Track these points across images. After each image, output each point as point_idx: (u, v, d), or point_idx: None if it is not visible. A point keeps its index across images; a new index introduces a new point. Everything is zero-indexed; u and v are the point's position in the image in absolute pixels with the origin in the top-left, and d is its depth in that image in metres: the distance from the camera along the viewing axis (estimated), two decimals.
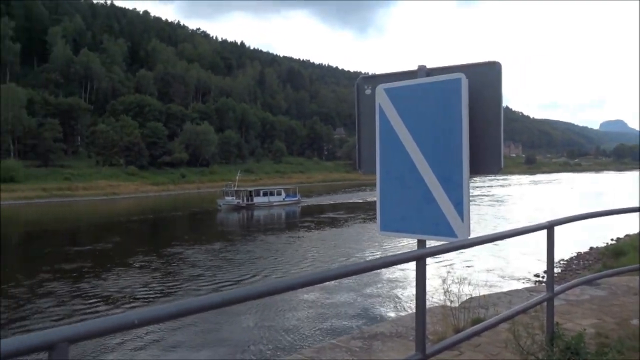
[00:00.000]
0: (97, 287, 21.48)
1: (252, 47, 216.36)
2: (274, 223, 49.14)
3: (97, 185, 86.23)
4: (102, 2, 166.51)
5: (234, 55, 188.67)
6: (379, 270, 20.32)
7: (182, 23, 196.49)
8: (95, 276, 23.62)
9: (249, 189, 67.66)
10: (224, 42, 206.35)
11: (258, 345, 14.38)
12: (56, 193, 78.26)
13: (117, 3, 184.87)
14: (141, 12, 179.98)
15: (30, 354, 1.62)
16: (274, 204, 64.08)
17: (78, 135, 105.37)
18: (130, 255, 28.96)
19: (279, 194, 67.15)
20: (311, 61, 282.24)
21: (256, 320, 16.58)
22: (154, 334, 15.09)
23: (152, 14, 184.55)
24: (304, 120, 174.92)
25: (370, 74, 4.46)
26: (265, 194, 66.09)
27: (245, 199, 63.39)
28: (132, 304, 18.78)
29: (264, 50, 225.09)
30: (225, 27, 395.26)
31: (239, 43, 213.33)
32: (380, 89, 3.88)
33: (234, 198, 63.09)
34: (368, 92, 4.11)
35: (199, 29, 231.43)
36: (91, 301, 19.34)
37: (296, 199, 67.23)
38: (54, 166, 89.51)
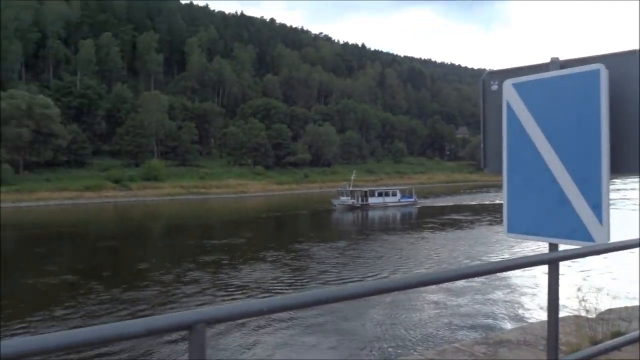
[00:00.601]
0: (234, 278, 23.07)
1: (372, 49, 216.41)
2: (392, 223, 48.87)
3: (228, 184, 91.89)
4: (233, 12, 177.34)
5: (355, 57, 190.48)
6: (507, 274, 19.48)
7: (305, 28, 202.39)
8: (231, 268, 25.38)
9: (364, 189, 67.61)
10: (345, 44, 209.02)
11: (380, 342, 14.44)
12: (193, 190, 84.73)
13: (247, 12, 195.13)
14: (268, 20, 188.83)
15: (171, 332, 1.77)
16: (389, 204, 63.44)
17: (211, 137, 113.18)
18: (261, 250, 30.64)
19: (394, 194, 66.31)
20: (432, 60, 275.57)
21: (382, 315, 16.72)
22: (282, 323, 15.75)
23: (277, 21, 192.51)
24: (425, 119, 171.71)
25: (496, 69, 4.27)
26: (380, 195, 65.64)
27: (360, 199, 63.38)
28: (265, 294, 19.78)
29: (384, 50, 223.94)
30: (347, 30, 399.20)
31: (359, 45, 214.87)
32: (508, 84, 3.72)
33: (349, 198, 63.28)
34: (494, 87, 3.95)
35: (321, 32, 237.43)
36: (229, 290, 20.82)
37: (412, 200, 66.10)
38: (190, 166, 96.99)
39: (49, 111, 75.06)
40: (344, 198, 63.80)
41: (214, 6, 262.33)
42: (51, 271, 24.47)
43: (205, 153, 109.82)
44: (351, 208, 61.57)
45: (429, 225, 43.00)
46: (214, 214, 60.16)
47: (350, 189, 66.07)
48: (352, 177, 73.45)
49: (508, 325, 14.89)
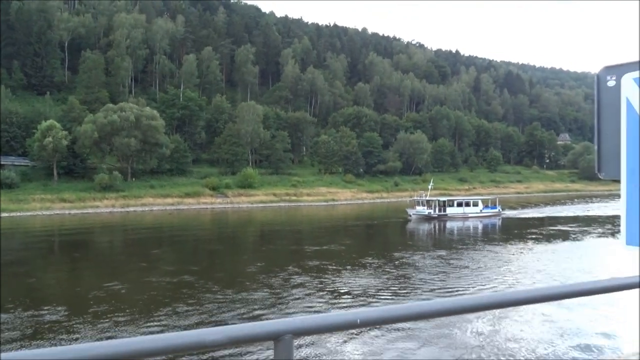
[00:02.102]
0: (338, 283, 23.43)
1: (466, 55, 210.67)
2: (475, 235, 46.86)
3: (318, 192, 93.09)
4: (327, 23, 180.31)
5: (449, 63, 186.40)
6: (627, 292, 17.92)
7: (397, 36, 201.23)
8: (335, 273, 25.78)
9: (442, 199, 64.76)
10: (438, 51, 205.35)
11: (480, 354, 13.87)
12: (285, 198, 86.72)
13: (339, 23, 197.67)
14: (360, 29, 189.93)
15: (255, 342, 1.63)
16: (470, 215, 60.73)
17: (303, 145, 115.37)
18: (359, 257, 30.90)
19: (475, 205, 63.46)
20: (531, 64, 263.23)
21: (486, 326, 16.16)
22: (376, 329, 15.59)
23: (369, 30, 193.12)
24: (523, 126, 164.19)
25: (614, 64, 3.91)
26: (460, 205, 63.04)
27: (437, 209, 60.97)
28: (371, 300, 19.87)
29: (480, 56, 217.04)
30: (440, 36, 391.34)
31: (453, 51, 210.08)
32: (627, 78, 3.38)
33: (425, 208, 60.91)
34: (611, 83, 3.61)
35: (413, 40, 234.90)
36: (335, 295, 21.14)
37: (496, 210, 62.82)
38: (283, 174, 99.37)
39: (155, 122, 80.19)
40: (419, 208, 61.43)
41: (308, 18, 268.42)
42: (170, 271, 26.29)
43: (298, 161, 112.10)
44: (427, 218, 59.16)
45: (528, 237, 40.92)
46: (307, 221, 61.21)
47: (427, 198, 63.35)
48: (429, 187, 70.68)
49: (625, 350, 13.74)
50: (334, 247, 35.65)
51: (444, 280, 23.85)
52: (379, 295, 20.90)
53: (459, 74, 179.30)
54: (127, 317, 17.38)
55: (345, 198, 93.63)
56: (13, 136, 77.93)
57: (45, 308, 18.49)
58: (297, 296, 20.73)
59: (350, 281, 23.83)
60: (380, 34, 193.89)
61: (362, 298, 20.32)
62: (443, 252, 33.31)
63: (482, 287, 22.59)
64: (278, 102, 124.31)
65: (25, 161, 75.75)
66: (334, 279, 24.42)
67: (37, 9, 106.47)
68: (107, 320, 16.95)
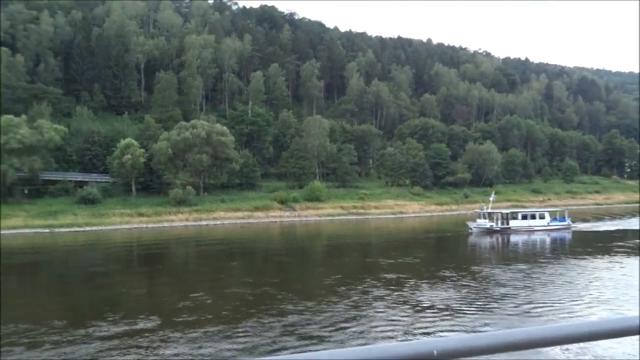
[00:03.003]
0: (416, 296, 23.04)
1: (536, 62, 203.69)
2: (545, 249, 44.43)
3: (386, 205, 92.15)
4: (390, 36, 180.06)
5: (518, 71, 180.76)
6: None
7: (463, 45, 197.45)
8: (413, 286, 25.39)
9: (504, 211, 61.37)
10: (506, 59, 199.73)
11: None
12: (352, 211, 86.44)
13: (403, 35, 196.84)
14: (425, 40, 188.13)
15: None
16: (536, 228, 57.22)
17: (370, 158, 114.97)
18: (435, 270, 30.39)
19: (542, 217, 59.70)
20: (606, 69, 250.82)
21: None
22: None
23: (434, 41, 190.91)
24: (599, 134, 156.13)
25: None
26: (524, 217, 59.41)
27: (499, 222, 57.86)
28: (452, 315, 19.35)
29: (551, 62, 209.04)
30: (508, 44, 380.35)
31: (522, 58, 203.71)
32: None
33: (487, 221, 57.90)
34: None
35: (480, 48, 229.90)
36: (414, 308, 20.74)
37: (565, 223, 59.13)
38: (349, 187, 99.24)
39: (225, 138, 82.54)
40: (480, 221, 58.37)
41: (372, 32, 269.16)
42: (249, 283, 26.82)
43: (364, 174, 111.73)
44: (489, 232, 56.29)
45: (611, 251, 38.45)
46: (376, 233, 60.78)
47: (489, 210, 59.78)
48: (491, 199, 65.38)
49: None
50: (408, 260, 35.11)
51: (529, 295, 22.78)
52: (464, 310, 20.26)
53: (529, 82, 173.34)
54: (216, 327, 17.80)
55: (413, 211, 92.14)
56: (95, 154, 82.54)
57: (140, 317, 19.33)
58: (378, 309, 20.49)
59: (430, 294, 23.34)
60: (446, 44, 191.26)
61: (446, 312, 19.77)
62: (523, 266, 31.94)
63: (572, 302, 21.37)
64: (344, 115, 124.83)
65: (106, 178, 79.92)
66: (413, 292, 24.03)
67: (116, 34, 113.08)
68: (198, 330, 17.43)
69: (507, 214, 59.88)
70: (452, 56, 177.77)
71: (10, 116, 70.26)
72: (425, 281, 26.63)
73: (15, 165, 66.54)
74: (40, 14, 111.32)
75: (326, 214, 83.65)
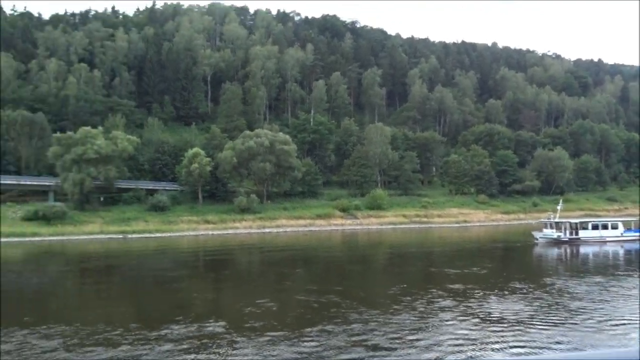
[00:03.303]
0: (485, 308, 22.49)
1: (610, 63, 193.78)
2: (620, 261, 41.74)
3: (449, 213, 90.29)
4: (454, 40, 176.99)
5: (590, 73, 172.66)
6: None
7: (531, 48, 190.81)
8: (481, 298, 24.81)
9: (573, 220, 58.06)
10: (578, 60, 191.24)
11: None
12: (414, 219, 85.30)
13: (467, 39, 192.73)
14: (490, 44, 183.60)
15: None
16: (608, 239, 53.85)
17: (433, 165, 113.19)
18: (504, 281, 29.47)
19: (614, 227, 56.17)
20: None
21: None
22: None
23: (499, 44, 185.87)
24: None
25: None
26: (595, 227, 55.99)
27: (567, 232, 55.00)
28: (524, 329, 18.74)
29: (626, 63, 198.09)
30: (579, 46, 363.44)
31: (595, 60, 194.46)
32: None
33: (554, 231, 55.14)
34: None
35: (549, 51, 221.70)
36: (484, 321, 20.22)
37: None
38: (412, 195, 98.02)
39: (287, 147, 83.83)
40: (547, 231, 55.63)
41: (435, 37, 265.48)
42: (314, 290, 27.07)
43: (427, 182, 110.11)
44: (556, 242, 53.47)
45: None
46: (440, 242, 59.71)
47: (556, 220, 56.73)
48: (558, 207, 62.54)
49: None
50: (474, 270, 34.20)
51: (607, 310, 21.58)
52: (536, 324, 19.49)
53: (602, 84, 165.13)
54: (282, 332, 18.11)
55: (478, 219, 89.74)
56: (165, 163, 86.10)
57: (209, 321, 19.95)
58: (446, 320, 20.08)
59: (499, 306, 22.61)
60: (512, 47, 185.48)
61: (518, 326, 19.09)
62: (599, 278, 30.35)
63: None
64: (406, 122, 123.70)
65: (175, 186, 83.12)
66: (481, 303, 23.37)
67: (185, 48, 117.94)
68: (264, 335, 17.78)
69: (576, 223, 56.89)
70: (519, 60, 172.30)
71: (88, 128, 74.66)
72: (493, 292, 25.85)
73: (92, 174, 70.44)
74: (115, 31, 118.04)
75: (388, 222, 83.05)
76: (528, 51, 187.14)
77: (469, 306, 22.65)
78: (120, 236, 64.05)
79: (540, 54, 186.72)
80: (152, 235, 65.61)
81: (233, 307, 23.78)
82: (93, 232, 64.79)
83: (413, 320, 20.05)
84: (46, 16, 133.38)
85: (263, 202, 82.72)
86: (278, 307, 22.83)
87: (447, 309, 21.99)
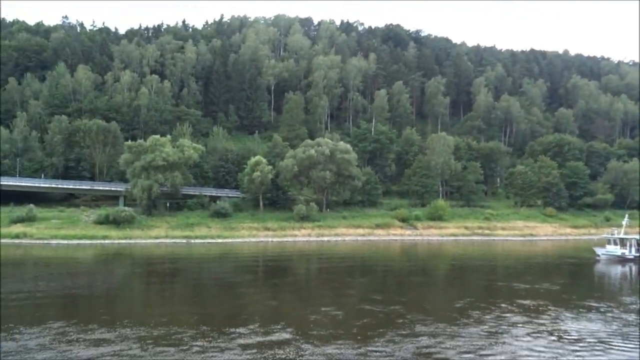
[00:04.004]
0: (560, 325, 21.79)
1: None
2: None
3: (514, 226, 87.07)
4: (522, 48, 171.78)
5: None
6: None
7: (605, 55, 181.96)
8: (552, 314, 24.01)
9: (639, 237, 54.39)
10: None
11: None
12: (477, 232, 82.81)
13: (538, 47, 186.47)
14: (561, 52, 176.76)
15: None
16: None
17: (497, 176, 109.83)
18: (578, 299, 28.46)
19: None
20: None
21: None
22: None
23: (571, 52, 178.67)
24: None
25: None
26: None
27: (633, 249, 51.92)
28: (605, 349, 17.99)
29: None
30: None
31: None
32: None
33: (618, 247, 52.23)
34: None
35: (626, 58, 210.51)
36: (560, 339, 19.53)
37: None
38: (475, 206, 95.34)
39: (348, 156, 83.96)
40: (611, 247, 52.84)
41: (501, 45, 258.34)
42: (378, 300, 26.86)
43: (491, 193, 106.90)
44: (621, 260, 50.56)
45: None
46: (504, 256, 57.82)
47: (621, 236, 53.94)
48: (624, 222, 59.19)
49: None
50: (546, 286, 32.95)
51: None
52: (620, 345, 18.57)
53: None
54: (348, 341, 18.12)
55: (545, 233, 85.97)
56: (228, 171, 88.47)
57: (276, 327, 20.25)
58: (517, 336, 19.44)
59: (576, 325, 21.70)
60: (585, 55, 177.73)
61: (598, 346, 18.23)
62: None
63: None
64: (470, 132, 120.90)
65: (237, 193, 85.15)
66: (555, 321, 22.54)
67: (250, 59, 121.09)
68: (331, 343, 17.86)
69: None
70: (593, 67, 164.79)
71: (157, 136, 77.96)
72: (568, 310, 24.89)
73: (160, 181, 73.43)
74: (185, 43, 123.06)
75: (449, 233, 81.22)
76: (602, 58, 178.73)
77: (542, 323, 21.97)
78: (184, 241, 66.27)
79: (616, 62, 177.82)
80: (214, 240, 67.47)
81: (298, 314, 23.91)
82: (159, 236, 67.45)
83: (483, 335, 19.51)
84: (122, 30, 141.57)
85: (322, 210, 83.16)
86: (343, 316, 22.81)
87: (517, 325, 21.38)
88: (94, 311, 24.07)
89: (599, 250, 53.94)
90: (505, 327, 20.93)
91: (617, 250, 52.63)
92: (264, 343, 18.04)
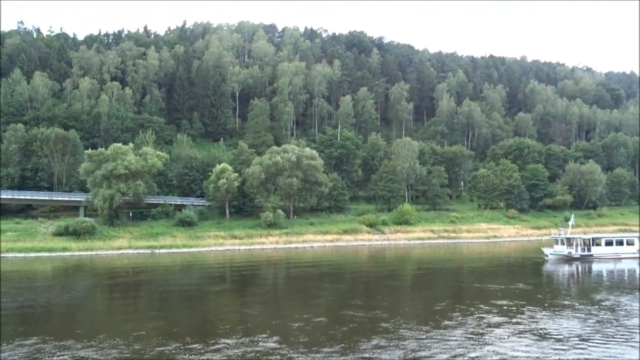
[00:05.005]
0: (539, 325, 22.01)
1: None
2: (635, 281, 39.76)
3: (479, 228, 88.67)
4: (482, 55, 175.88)
5: (623, 86, 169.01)
6: None
7: (560, 61, 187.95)
8: (529, 314, 24.33)
9: (585, 236, 56.11)
10: (610, 73, 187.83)
11: None
12: (443, 235, 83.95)
13: (495, 53, 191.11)
14: (518, 58, 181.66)
15: None
16: (623, 256, 51.98)
17: (461, 180, 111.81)
18: (550, 297, 29.04)
19: (630, 243, 54.15)
20: None
21: None
22: None
23: (528, 58, 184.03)
24: None
25: None
26: (609, 244, 53.98)
27: (579, 248, 53.34)
28: (586, 346, 18.16)
29: None
30: (611, 58, 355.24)
31: (627, 72, 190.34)
32: None
33: (565, 247, 53.50)
34: None
35: (579, 64, 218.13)
36: (542, 338, 19.63)
37: None
38: (440, 209, 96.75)
39: (314, 162, 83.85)
40: (558, 247, 54.02)
41: (462, 51, 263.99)
42: (358, 305, 26.81)
43: (455, 196, 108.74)
44: (567, 259, 51.87)
45: None
46: (469, 258, 58.59)
47: (567, 236, 55.02)
48: (570, 222, 60.34)
49: None
50: (521, 286, 33.54)
51: None
52: (597, 340, 19.04)
53: (635, 96, 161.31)
54: (337, 348, 17.83)
55: (509, 235, 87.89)
56: (193, 179, 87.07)
57: (261, 336, 19.77)
58: (500, 337, 19.54)
59: (553, 324, 21.99)
60: (542, 61, 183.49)
61: (580, 344, 18.53)
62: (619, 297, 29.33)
63: None
64: (434, 137, 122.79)
65: (202, 201, 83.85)
66: (533, 320, 22.79)
67: (214, 65, 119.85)
68: (319, 351, 17.55)
69: (588, 239, 55.09)
70: (549, 73, 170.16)
71: (119, 144, 76.05)
72: (543, 309, 25.31)
73: (122, 190, 71.59)
74: (147, 50, 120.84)
75: (416, 237, 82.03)
76: (558, 64, 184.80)
77: (520, 322, 22.33)
78: (149, 251, 64.75)
79: (571, 67, 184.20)
80: (180, 250, 66.14)
81: (280, 322, 23.42)
82: (122, 247, 65.64)
83: (468, 337, 19.49)
84: (81, 36, 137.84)
85: (290, 217, 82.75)
86: (326, 323, 22.56)
87: (497, 325, 21.61)
88: (58, 327, 23.04)
89: (547, 250, 55.05)
90: (486, 328, 21.14)
91: (563, 249, 53.64)
92: (252, 352, 17.58)
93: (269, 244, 73.11)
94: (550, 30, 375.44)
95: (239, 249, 69.01)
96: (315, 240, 76.56)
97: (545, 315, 24.04)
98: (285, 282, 41.50)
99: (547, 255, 54.16)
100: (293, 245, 73.29)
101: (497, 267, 48.94)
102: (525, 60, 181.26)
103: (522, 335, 19.91)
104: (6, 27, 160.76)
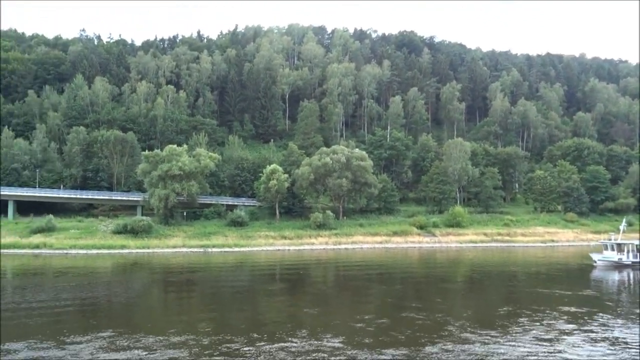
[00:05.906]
0: (614, 332, 21.27)
1: None
2: None
3: (535, 232, 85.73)
4: (538, 52, 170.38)
5: None
6: None
7: (623, 58, 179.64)
8: (601, 320, 23.58)
9: (637, 242, 52.10)
10: None
11: None
12: (496, 238, 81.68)
13: (554, 51, 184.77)
14: (577, 55, 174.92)
15: None
16: None
17: (516, 182, 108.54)
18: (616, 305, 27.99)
19: None
20: None
21: None
22: None
23: (588, 55, 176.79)
24: None
25: None
26: None
27: (631, 254, 50.16)
28: None
29: None
30: None
31: None
32: None
33: (615, 253, 50.54)
34: None
35: None
36: (617, 345, 19.03)
37: None
38: (493, 212, 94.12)
39: (364, 163, 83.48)
40: (607, 253, 51.17)
41: (517, 50, 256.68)
42: (418, 308, 26.49)
43: (509, 199, 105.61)
44: (617, 266, 49.07)
45: None
46: (523, 262, 56.68)
47: (619, 241, 52.13)
48: (622, 227, 56.82)
49: None
50: (587, 292, 32.58)
51: None
52: None
53: None
54: (403, 351, 17.68)
55: (567, 239, 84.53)
56: (244, 180, 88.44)
57: (326, 336, 19.87)
58: (574, 344, 18.85)
59: (629, 331, 21.13)
60: (602, 58, 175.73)
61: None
62: None
63: None
64: (487, 137, 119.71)
65: (253, 202, 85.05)
66: (606, 327, 21.92)
67: (264, 68, 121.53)
68: (384, 352, 17.46)
69: None
70: (610, 70, 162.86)
71: (174, 146, 78.27)
72: (615, 316, 24.40)
73: (177, 190, 73.58)
74: (200, 54, 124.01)
75: (468, 240, 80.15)
76: (620, 61, 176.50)
77: (593, 329, 21.48)
78: (202, 250, 66.21)
79: (634, 64, 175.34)
80: (231, 249, 67.26)
81: (342, 322, 23.34)
82: (176, 245, 67.41)
83: (537, 342, 18.91)
84: (138, 42, 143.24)
85: (339, 218, 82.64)
86: (388, 324, 22.36)
87: (568, 333, 20.89)
88: (127, 321, 24.02)
89: (595, 256, 52.32)
90: (557, 334, 20.45)
91: (613, 255, 50.94)
92: (319, 351, 17.65)
93: (318, 244, 73.24)
94: (611, 27, 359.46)
95: (288, 249, 69.45)
96: (364, 242, 76.11)
97: (610, 322, 23.01)
98: (338, 283, 41.33)
99: (595, 262, 51.57)
100: (342, 246, 73.12)
101: (539, 273, 47.00)
102: (585, 57, 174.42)
103: (595, 344, 19.17)
104: (69, 35, 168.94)
